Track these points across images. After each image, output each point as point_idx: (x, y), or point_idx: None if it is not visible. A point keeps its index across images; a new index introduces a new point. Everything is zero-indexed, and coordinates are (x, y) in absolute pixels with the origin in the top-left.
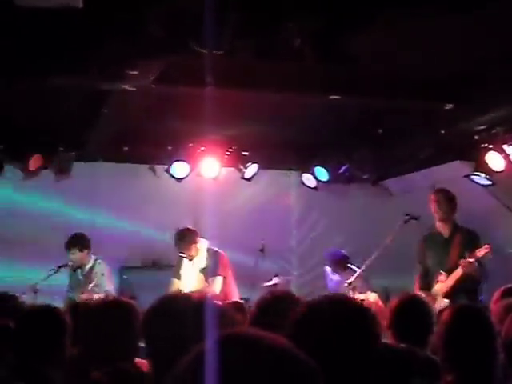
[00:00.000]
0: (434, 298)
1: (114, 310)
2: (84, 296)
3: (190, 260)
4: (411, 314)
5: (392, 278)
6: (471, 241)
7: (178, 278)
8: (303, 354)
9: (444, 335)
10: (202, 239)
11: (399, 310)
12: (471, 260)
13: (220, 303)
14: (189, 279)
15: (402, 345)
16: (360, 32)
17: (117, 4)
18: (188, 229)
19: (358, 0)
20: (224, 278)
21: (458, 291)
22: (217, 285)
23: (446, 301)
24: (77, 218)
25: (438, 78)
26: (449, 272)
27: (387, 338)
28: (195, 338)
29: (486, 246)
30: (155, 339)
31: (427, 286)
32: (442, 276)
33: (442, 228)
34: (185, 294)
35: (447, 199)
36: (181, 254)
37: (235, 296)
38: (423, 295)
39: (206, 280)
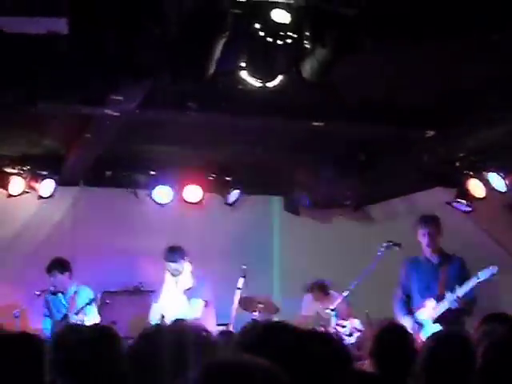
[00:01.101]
0: (421, 325)
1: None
2: (75, 319)
3: (173, 275)
4: (392, 343)
5: (373, 305)
6: (461, 267)
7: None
8: (287, 377)
9: (425, 362)
10: (187, 264)
11: (380, 338)
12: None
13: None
14: (171, 300)
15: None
16: (343, 59)
17: (101, 30)
18: (177, 246)
19: (343, 28)
20: (206, 302)
21: (449, 317)
22: (198, 307)
23: (438, 326)
24: (58, 242)
25: (419, 106)
26: (437, 298)
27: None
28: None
29: (492, 269)
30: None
31: (410, 311)
32: (432, 302)
33: (430, 254)
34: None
35: (439, 229)
36: (169, 263)
37: (213, 322)
38: (410, 321)
39: (188, 301)
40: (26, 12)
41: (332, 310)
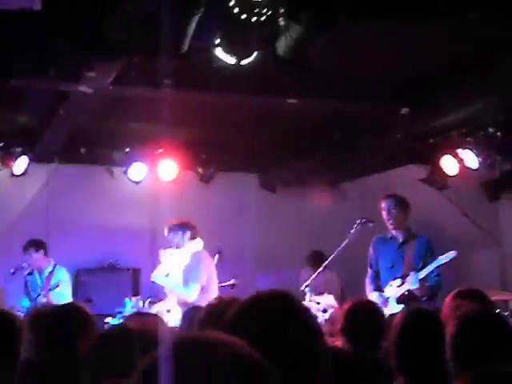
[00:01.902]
0: (387, 301)
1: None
2: (44, 300)
3: (177, 247)
4: (363, 318)
5: (349, 281)
6: (425, 247)
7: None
8: (256, 353)
9: (395, 339)
10: (198, 239)
11: (351, 314)
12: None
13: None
14: (170, 272)
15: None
16: (317, 36)
17: (74, 6)
18: (191, 222)
19: (317, 4)
20: (206, 284)
21: (413, 298)
22: (193, 292)
23: (400, 306)
24: (32, 219)
25: (394, 83)
26: (403, 278)
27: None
28: None
29: (452, 253)
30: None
31: (379, 288)
32: (397, 281)
33: (395, 232)
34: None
35: (398, 206)
36: (167, 235)
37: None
38: (376, 297)
39: (185, 280)
40: None
41: (306, 286)
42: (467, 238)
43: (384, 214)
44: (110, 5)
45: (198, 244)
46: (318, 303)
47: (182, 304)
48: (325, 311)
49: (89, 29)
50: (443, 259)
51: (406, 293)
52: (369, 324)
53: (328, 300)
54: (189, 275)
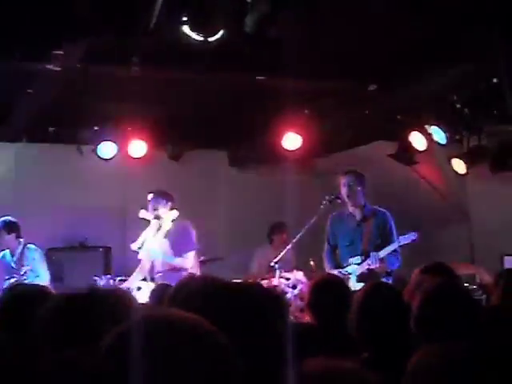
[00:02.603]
0: (348, 278)
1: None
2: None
3: (156, 218)
4: (328, 292)
5: (316, 257)
6: (384, 223)
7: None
8: (219, 331)
9: (357, 313)
10: (175, 211)
11: (316, 289)
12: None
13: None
14: (150, 242)
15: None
16: (284, 14)
17: None
18: (166, 192)
19: None
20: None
21: (373, 275)
22: (190, 259)
23: (361, 284)
24: (1, 199)
25: (361, 59)
26: (362, 255)
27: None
28: None
29: (413, 235)
30: None
31: (338, 264)
32: (357, 258)
33: (353, 209)
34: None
35: (357, 182)
36: (142, 211)
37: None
38: (337, 273)
39: (175, 250)
40: None
41: (275, 262)
42: (436, 213)
43: (344, 190)
44: None
45: (175, 212)
46: (288, 279)
47: (158, 277)
48: (294, 287)
49: (56, 6)
50: (403, 240)
51: (366, 271)
52: (334, 298)
53: (297, 275)
54: (182, 243)
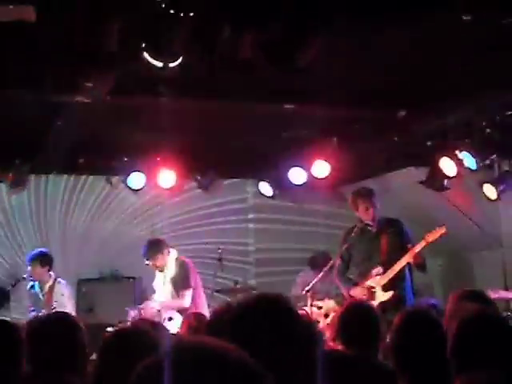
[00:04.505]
0: (372, 293)
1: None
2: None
3: (160, 271)
4: (357, 320)
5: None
6: (398, 230)
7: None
8: (250, 359)
9: (395, 341)
10: (171, 249)
11: (345, 317)
12: (423, 245)
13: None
14: (160, 291)
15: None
16: (313, 42)
17: (70, 17)
18: (155, 239)
19: (310, 11)
20: (193, 289)
21: (397, 282)
22: (187, 298)
23: (389, 293)
24: (33, 230)
25: (391, 86)
26: (383, 265)
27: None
28: None
29: (441, 228)
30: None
31: (350, 280)
32: (378, 269)
33: (370, 224)
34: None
35: (373, 197)
36: (146, 263)
37: (204, 305)
38: (361, 291)
39: (176, 291)
40: None
41: (307, 291)
42: (469, 239)
43: (363, 210)
44: (106, 15)
45: (173, 253)
46: (320, 308)
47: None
48: (326, 316)
49: (84, 39)
50: (431, 237)
51: (390, 280)
52: (363, 325)
53: (329, 304)
54: (179, 283)
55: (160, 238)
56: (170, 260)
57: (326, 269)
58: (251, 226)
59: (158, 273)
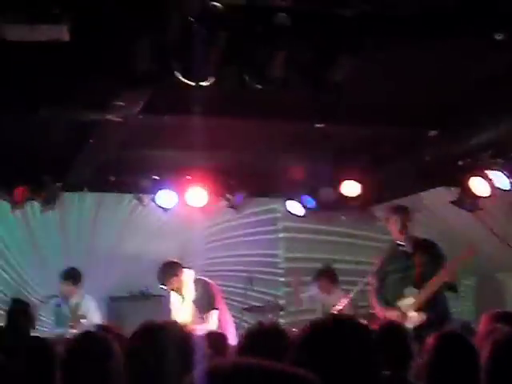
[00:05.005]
0: (404, 314)
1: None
2: (74, 330)
3: (176, 292)
4: (389, 340)
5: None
6: (433, 251)
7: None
8: (300, 370)
9: (429, 363)
10: (187, 270)
11: (377, 337)
12: (454, 266)
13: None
14: (179, 313)
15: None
16: (344, 62)
17: (102, 36)
18: (168, 261)
19: (343, 29)
20: (218, 309)
21: (431, 303)
22: (213, 319)
23: (422, 315)
24: (64, 248)
25: (421, 105)
26: (416, 286)
27: None
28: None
29: (470, 250)
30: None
31: (387, 301)
32: (412, 290)
33: (404, 244)
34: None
35: (407, 216)
36: (161, 287)
37: (231, 325)
38: (396, 315)
39: (200, 313)
40: (28, 20)
41: (338, 311)
42: (501, 259)
43: (395, 226)
44: (137, 34)
45: (190, 273)
46: None
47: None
48: None
49: (116, 58)
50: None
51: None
52: (395, 345)
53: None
54: (204, 305)
55: (174, 259)
56: (188, 281)
57: (358, 288)
58: (281, 245)
59: (173, 293)
